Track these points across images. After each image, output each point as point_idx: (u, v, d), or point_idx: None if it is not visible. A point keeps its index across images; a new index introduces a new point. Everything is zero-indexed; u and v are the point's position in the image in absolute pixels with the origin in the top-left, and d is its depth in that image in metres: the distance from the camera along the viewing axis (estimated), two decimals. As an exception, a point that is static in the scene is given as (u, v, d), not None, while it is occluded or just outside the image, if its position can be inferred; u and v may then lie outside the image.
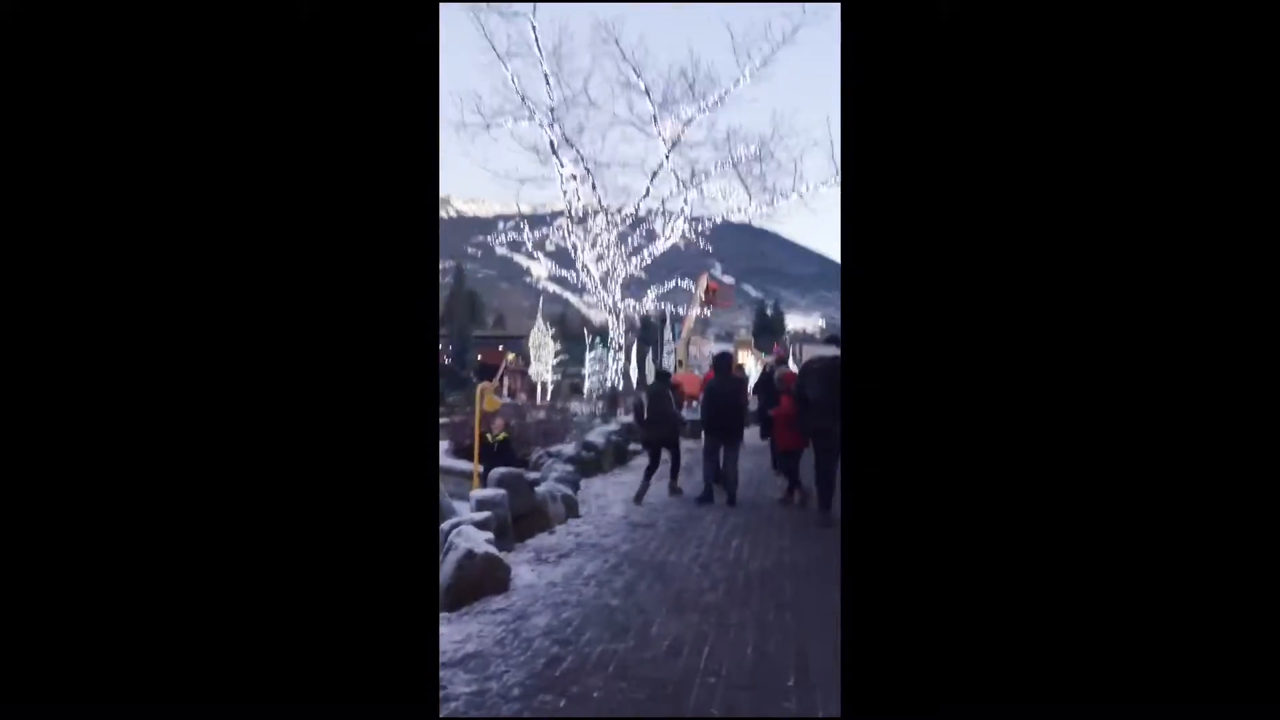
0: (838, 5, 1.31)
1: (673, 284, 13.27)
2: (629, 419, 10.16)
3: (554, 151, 11.01)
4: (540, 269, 11.47)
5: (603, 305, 11.90)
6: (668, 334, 34.61)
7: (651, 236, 12.09)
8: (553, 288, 11.91)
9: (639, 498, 6.33)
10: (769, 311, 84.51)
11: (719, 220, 13.35)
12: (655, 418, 6.61)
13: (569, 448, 7.30)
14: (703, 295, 30.74)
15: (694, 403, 18.20)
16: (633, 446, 9.04)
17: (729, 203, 12.00)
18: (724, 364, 6.87)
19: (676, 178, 11.80)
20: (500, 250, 11.64)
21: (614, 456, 8.26)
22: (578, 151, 11.27)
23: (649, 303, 12.85)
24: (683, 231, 12.36)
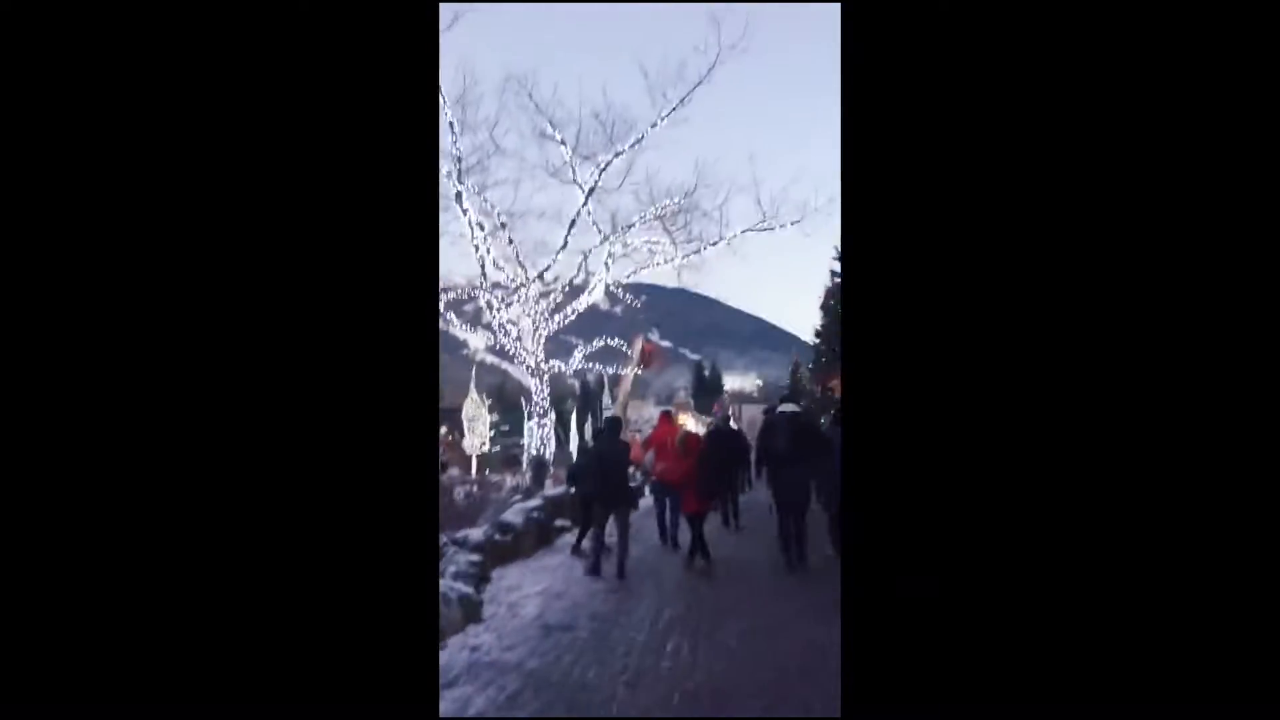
0: (820, 17, 1.68)
1: (600, 342, 12.38)
2: (555, 491, 9.11)
3: (459, 201, 10.12)
4: (477, 340, 10.68)
5: (524, 368, 10.93)
6: (605, 398, 33.80)
7: (575, 293, 11.27)
8: (490, 359, 11.32)
9: (594, 568, 5.88)
10: (706, 372, 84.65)
11: (647, 282, 12.93)
12: (607, 466, 6.11)
13: (478, 531, 6.18)
14: (638, 357, 30.42)
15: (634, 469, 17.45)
16: (559, 522, 7.97)
17: (654, 255, 11.34)
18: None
19: (598, 229, 11.10)
20: (442, 324, 10.72)
21: (536, 537, 7.15)
22: (486, 201, 10.48)
23: (575, 363, 11.92)
24: (607, 287, 11.75)
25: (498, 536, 6.43)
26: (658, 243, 11.31)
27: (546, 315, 11.03)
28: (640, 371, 32.03)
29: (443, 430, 37.49)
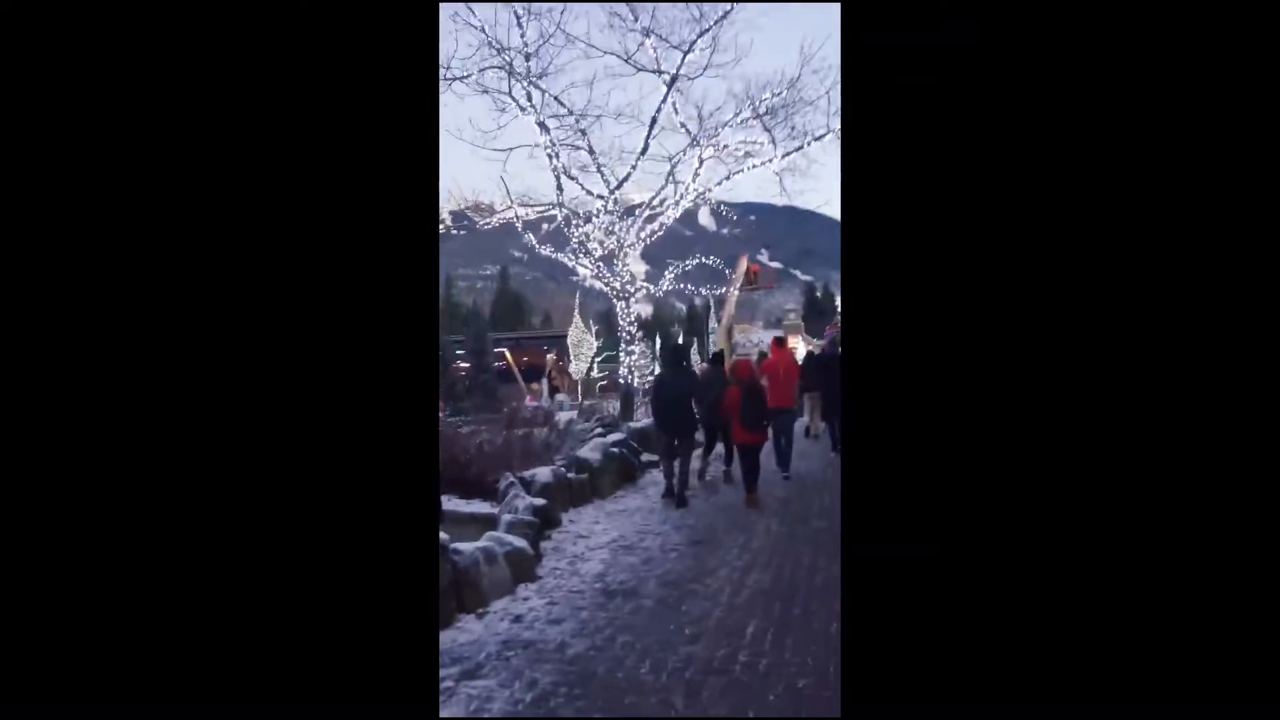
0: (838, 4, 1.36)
1: (694, 261, 11.17)
2: (646, 423, 8.40)
3: (529, 102, 9.04)
4: (585, 266, 10.22)
5: (610, 290, 10.06)
6: (713, 321, 32.71)
7: (662, 206, 10.04)
8: (598, 285, 10.56)
9: (669, 491, 6.01)
10: (819, 293, 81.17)
11: (756, 201, 11.73)
12: (669, 394, 6.09)
13: (546, 471, 5.54)
14: (742, 277, 28.92)
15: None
16: (646, 457, 7.26)
17: (749, 158, 9.80)
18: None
19: (685, 130, 9.73)
20: (545, 251, 10.17)
21: (617, 474, 6.46)
22: (558, 102, 9.40)
23: (665, 285, 10.88)
24: (713, 206, 10.79)
25: (572, 475, 5.77)
26: (755, 143, 9.89)
27: (631, 231, 9.98)
28: (745, 292, 30.68)
29: (551, 356, 38.39)
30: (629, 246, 9.74)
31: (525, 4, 8.64)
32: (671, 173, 9.84)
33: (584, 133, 9.40)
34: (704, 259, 11.22)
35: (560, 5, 9.96)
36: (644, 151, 9.32)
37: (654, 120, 9.25)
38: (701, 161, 9.78)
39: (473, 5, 8.63)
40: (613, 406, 15.06)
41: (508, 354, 40.55)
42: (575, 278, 11.53)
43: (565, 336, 36.40)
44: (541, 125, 9.00)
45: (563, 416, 13.82)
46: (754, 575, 3.82)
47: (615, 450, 6.56)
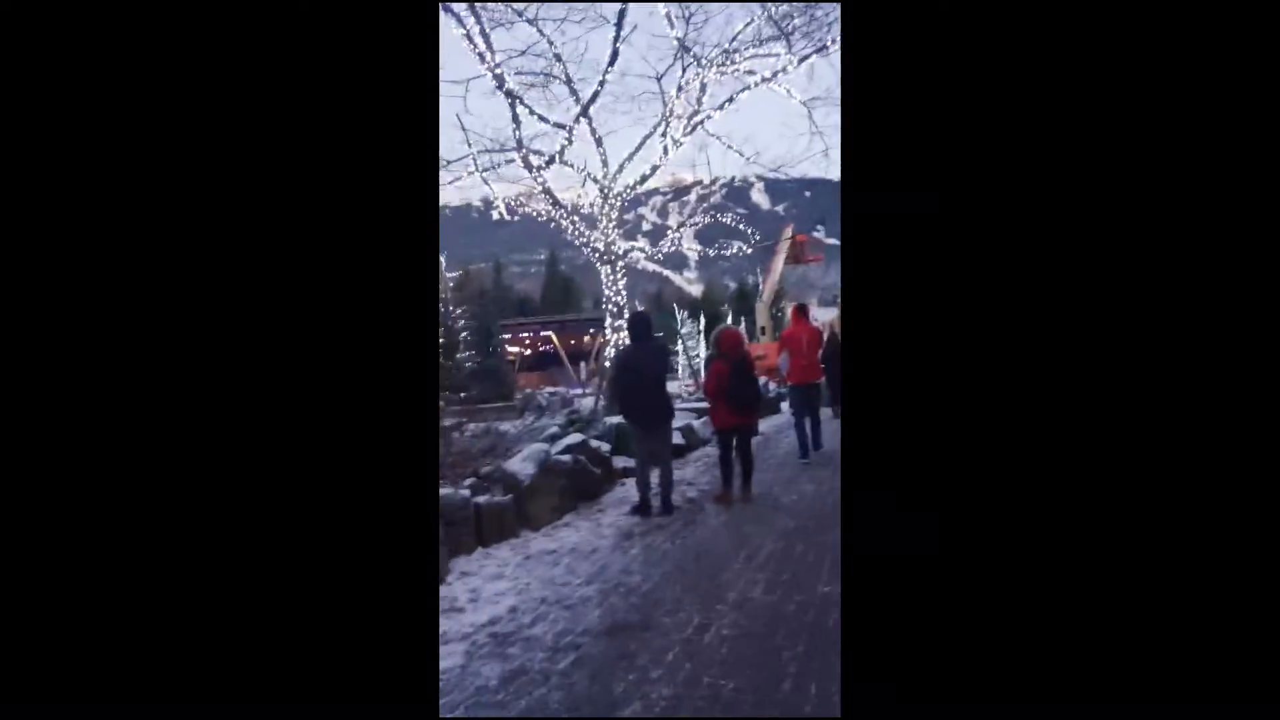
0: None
1: (706, 220, 9.15)
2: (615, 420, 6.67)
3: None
4: (638, 248, 9.27)
5: (591, 251, 8.21)
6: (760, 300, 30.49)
7: (651, 158, 8.09)
8: (652, 266, 9.77)
9: (640, 506, 4.62)
10: (877, 268, 76.93)
11: (811, 176, 9.91)
12: (635, 377, 4.66)
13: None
14: (786, 250, 26.64)
15: (774, 379, 14.63)
16: (621, 463, 5.52)
17: (755, 75, 7.71)
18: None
19: (683, 51, 7.61)
20: (634, 245, 9.06)
21: (565, 494, 4.72)
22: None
23: (669, 245, 8.95)
24: (765, 181, 9.05)
25: (484, 498, 4.04)
26: (769, 56, 7.78)
27: (621, 186, 8.06)
28: (792, 267, 28.26)
29: (600, 338, 37.08)
30: (683, 227, 7.87)
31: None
32: (670, 103, 7.81)
33: (558, 57, 7.47)
34: (720, 218, 9.24)
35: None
36: (612, 61, 7.30)
37: (620, 19, 7.15)
38: (704, 86, 7.73)
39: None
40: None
41: (554, 337, 39.59)
42: (628, 260, 10.41)
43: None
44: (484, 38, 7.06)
45: (586, 403, 12.37)
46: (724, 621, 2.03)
47: (566, 458, 4.81)
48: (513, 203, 8.57)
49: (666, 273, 10.43)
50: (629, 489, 5.10)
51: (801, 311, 7.13)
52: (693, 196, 9.57)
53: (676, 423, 6.97)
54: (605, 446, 5.45)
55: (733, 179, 10.31)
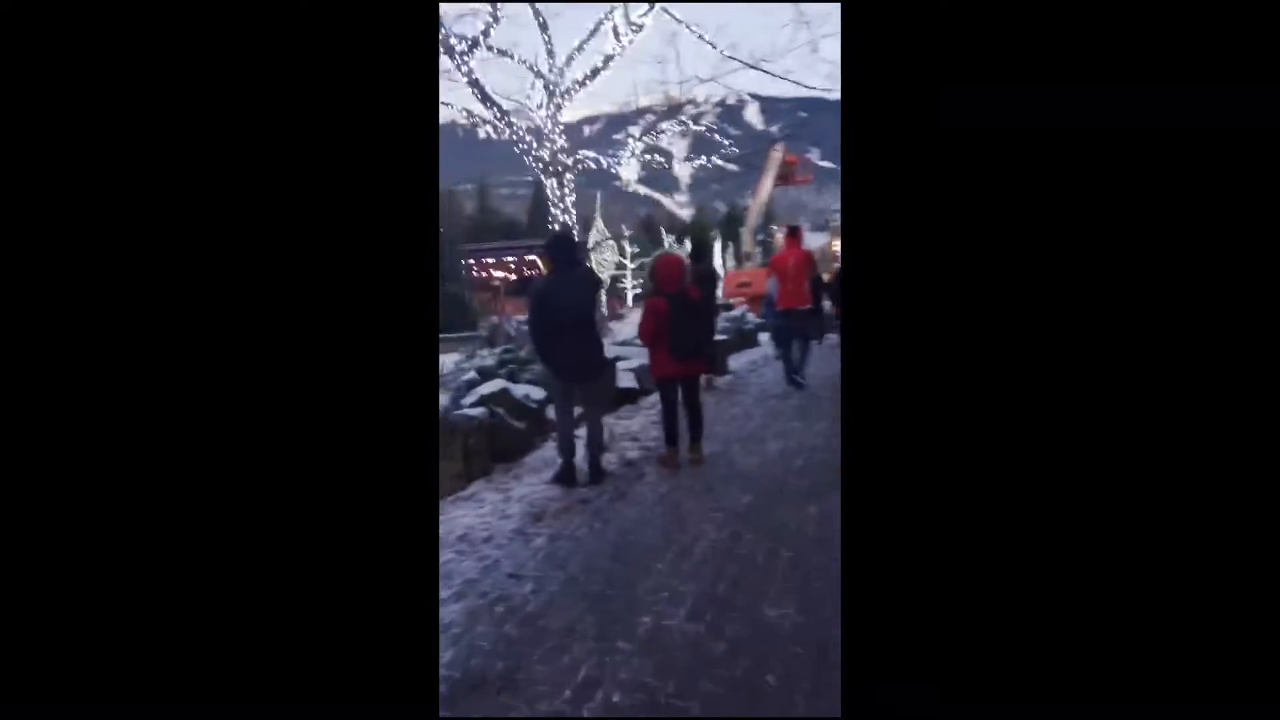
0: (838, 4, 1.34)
1: (647, 123, 7.85)
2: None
3: None
4: (629, 171, 8.38)
5: (534, 163, 7.02)
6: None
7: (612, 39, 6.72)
8: (642, 190, 8.97)
9: (561, 474, 3.74)
10: (871, 193, 74.62)
11: (804, 95, 8.73)
12: (557, 314, 3.61)
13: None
14: (775, 169, 25.12)
15: (756, 309, 13.68)
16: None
17: None
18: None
19: None
20: (605, 161, 7.99)
21: (469, 454, 3.84)
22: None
23: (630, 158, 7.71)
24: (760, 101, 8.05)
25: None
26: None
27: (569, 82, 6.75)
28: (782, 187, 26.77)
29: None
30: (557, 98, 6.63)
31: None
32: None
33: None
34: (725, 153, 8.11)
35: None
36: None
37: None
38: None
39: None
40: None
41: (540, 261, 38.23)
42: (618, 182, 9.88)
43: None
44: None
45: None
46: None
47: (477, 411, 3.90)
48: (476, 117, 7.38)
49: (657, 196, 9.55)
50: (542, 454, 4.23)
51: (793, 234, 6.65)
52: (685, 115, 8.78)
53: (630, 364, 6.07)
54: (537, 394, 4.53)
55: (725, 99, 9.45)
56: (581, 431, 3.91)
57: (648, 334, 3.85)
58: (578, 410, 3.91)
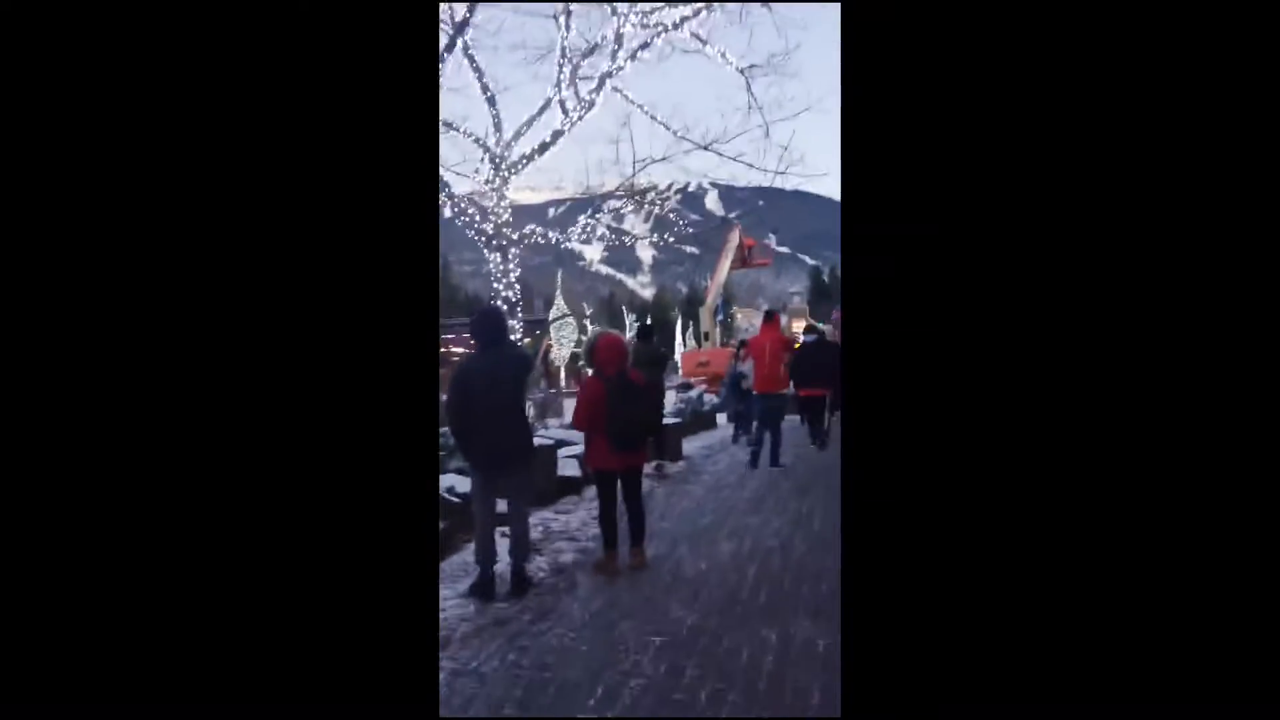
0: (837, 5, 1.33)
1: (610, 206, 7.72)
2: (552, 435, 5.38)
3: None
4: (593, 252, 8.40)
5: (476, 236, 6.71)
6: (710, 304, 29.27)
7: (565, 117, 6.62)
8: (605, 270, 8.24)
9: (478, 586, 3.19)
10: (825, 278, 77.14)
11: (764, 185, 8.93)
12: (482, 400, 3.17)
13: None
14: (733, 252, 25.60)
15: (714, 390, 13.42)
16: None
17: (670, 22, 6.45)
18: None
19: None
20: (552, 235, 7.81)
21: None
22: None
23: (589, 236, 7.46)
24: (719, 188, 8.00)
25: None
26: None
27: (517, 155, 6.58)
28: (740, 270, 27.23)
29: (547, 342, 35.54)
30: (501, 172, 6.44)
31: None
32: (561, 31, 6.30)
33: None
34: (681, 231, 8.07)
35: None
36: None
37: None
38: (619, 37, 6.27)
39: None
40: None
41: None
42: (582, 262, 10.03)
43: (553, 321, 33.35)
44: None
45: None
46: None
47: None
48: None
49: (620, 276, 9.36)
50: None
51: (770, 319, 6.81)
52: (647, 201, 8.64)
53: (574, 449, 5.60)
54: (463, 486, 4.02)
55: (687, 185, 9.42)
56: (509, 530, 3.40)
57: (581, 420, 3.43)
58: (502, 506, 3.42)
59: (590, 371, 3.58)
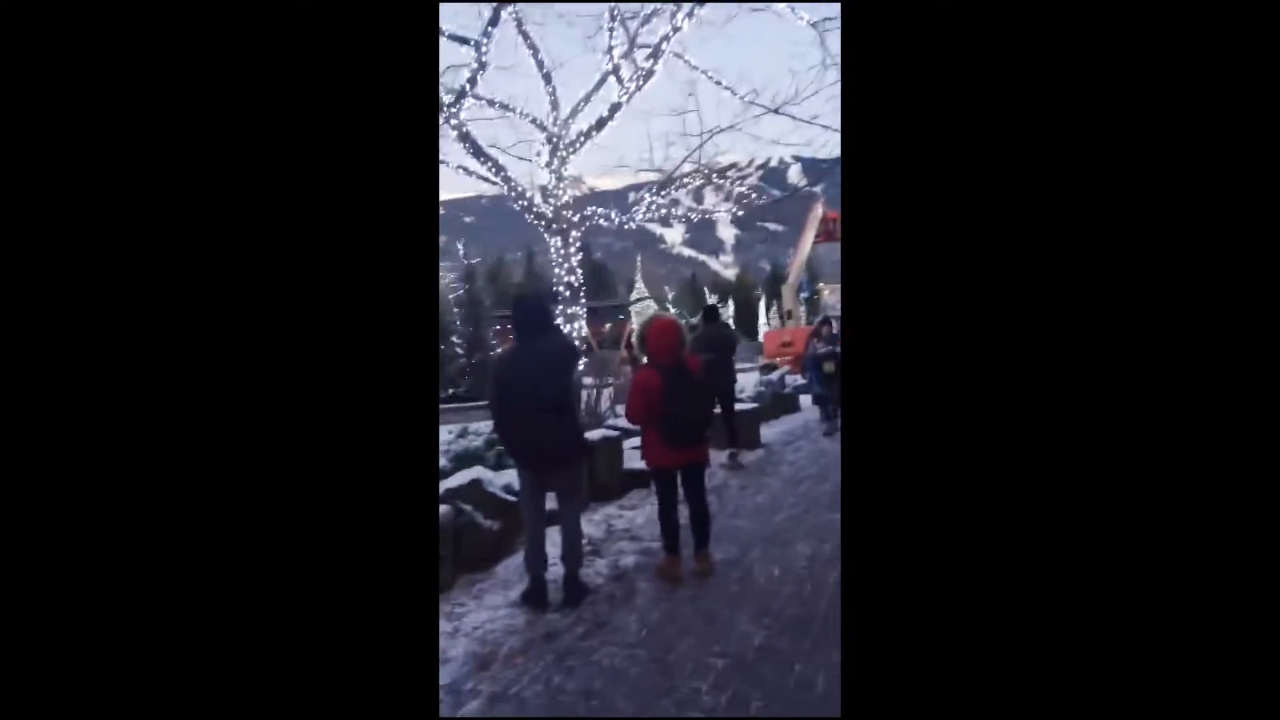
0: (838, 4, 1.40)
1: (690, 187, 7.29)
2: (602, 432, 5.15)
3: None
4: (673, 234, 7.65)
5: (535, 220, 6.51)
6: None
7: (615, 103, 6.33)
8: (687, 252, 8.07)
9: (530, 594, 2.99)
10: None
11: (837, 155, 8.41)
12: (527, 392, 2.89)
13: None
14: (816, 227, 24.44)
15: (797, 369, 12.79)
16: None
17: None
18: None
19: None
20: (616, 217, 7.73)
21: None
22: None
23: (650, 211, 7.12)
24: (801, 162, 7.52)
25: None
26: None
27: (574, 134, 6.29)
28: (824, 245, 26.13)
29: (630, 326, 35.53)
30: (561, 154, 6.16)
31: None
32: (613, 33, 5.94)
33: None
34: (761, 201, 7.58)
35: None
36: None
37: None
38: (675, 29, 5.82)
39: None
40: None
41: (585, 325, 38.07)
42: (663, 245, 9.32)
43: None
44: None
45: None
46: None
47: (443, 509, 3.20)
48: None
49: (703, 257, 9.01)
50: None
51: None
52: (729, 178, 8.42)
53: (638, 441, 5.32)
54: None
55: (768, 160, 8.70)
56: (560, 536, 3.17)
57: (635, 413, 3.13)
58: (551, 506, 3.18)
59: (645, 359, 3.27)
